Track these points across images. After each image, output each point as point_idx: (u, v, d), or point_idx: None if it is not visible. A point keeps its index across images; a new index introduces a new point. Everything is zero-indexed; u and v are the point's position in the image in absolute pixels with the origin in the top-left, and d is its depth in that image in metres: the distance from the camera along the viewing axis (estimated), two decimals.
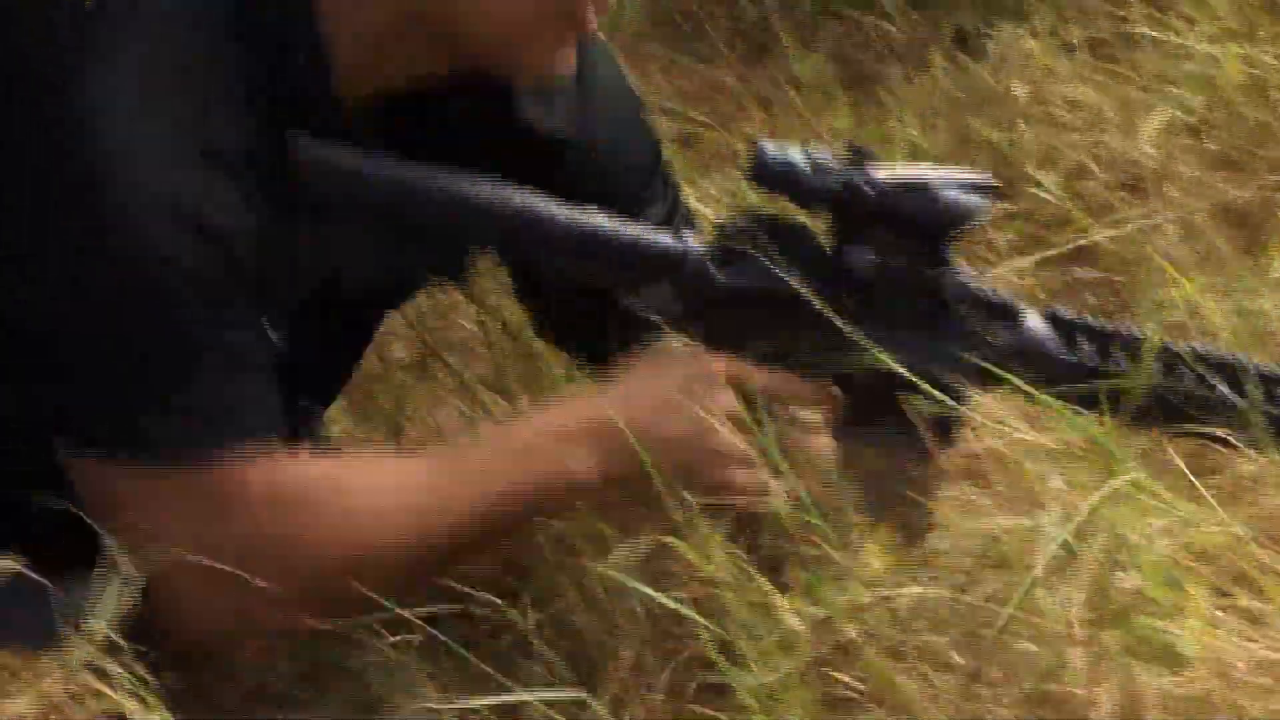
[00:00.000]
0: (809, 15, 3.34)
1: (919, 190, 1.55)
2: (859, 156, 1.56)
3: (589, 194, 1.66)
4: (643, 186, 1.81)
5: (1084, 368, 1.58)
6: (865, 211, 1.55)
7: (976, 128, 2.71)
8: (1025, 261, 2.41)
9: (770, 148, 1.55)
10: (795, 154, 1.54)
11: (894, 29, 3.19)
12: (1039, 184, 2.60)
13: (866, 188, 1.53)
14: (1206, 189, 2.60)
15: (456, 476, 1.54)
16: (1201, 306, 2.16)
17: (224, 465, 1.43)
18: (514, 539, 1.58)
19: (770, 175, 1.54)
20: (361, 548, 1.49)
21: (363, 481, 1.53)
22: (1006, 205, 2.49)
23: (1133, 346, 1.59)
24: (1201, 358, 1.58)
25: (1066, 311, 1.63)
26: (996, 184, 1.64)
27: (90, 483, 1.40)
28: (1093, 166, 2.63)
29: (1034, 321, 1.59)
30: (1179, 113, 2.74)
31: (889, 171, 1.56)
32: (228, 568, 1.43)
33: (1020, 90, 2.86)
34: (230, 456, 1.42)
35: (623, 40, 2.93)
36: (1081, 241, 2.50)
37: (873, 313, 1.56)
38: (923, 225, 1.56)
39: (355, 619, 1.49)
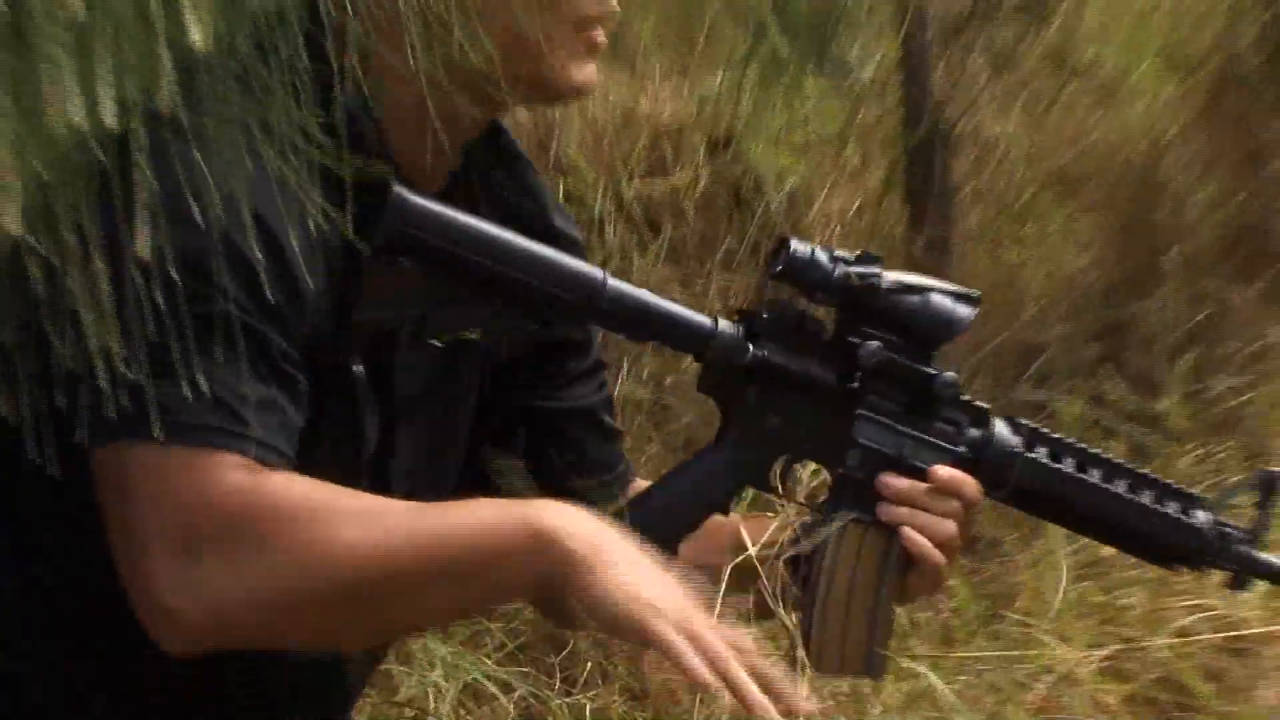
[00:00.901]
0: None
1: (917, 292, 1.67)
2: (870, 259, 1.67)
3: None
4: None
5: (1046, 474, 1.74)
6: (872, 308, 1.66)
7: None
8: None
9: (797, 245, 1.66)
10: (819, 252, 1.65)
11: None
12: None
13: (876, 286, 1.66)
14: None
15: (434, 521, 1.56)
16: None
17: (226, 455, 1.44)
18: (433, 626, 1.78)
19: (794, 269, 1.64)
20: (315, 568, 1.51)
21: (341, 510, 1.54)
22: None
23: (1086, 459, 1.76)
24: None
25: (1026, 421, 1.78)
26: (978, 293, 1.76)
27: (110, 468, 1.40)
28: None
29: (1001, 427, 1.73)
30: None
31: (894, 275, 1.68)
32: (202, 547, 1.45)
33: None
34: (236, 451, 1.44)
35: None
36: None
37: (872, 400, 1.69)
38: (919, 324, 1.68)
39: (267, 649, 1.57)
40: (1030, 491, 1.77)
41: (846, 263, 1.67)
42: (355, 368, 1.61)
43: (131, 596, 1.43)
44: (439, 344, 1.71)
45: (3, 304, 1.26)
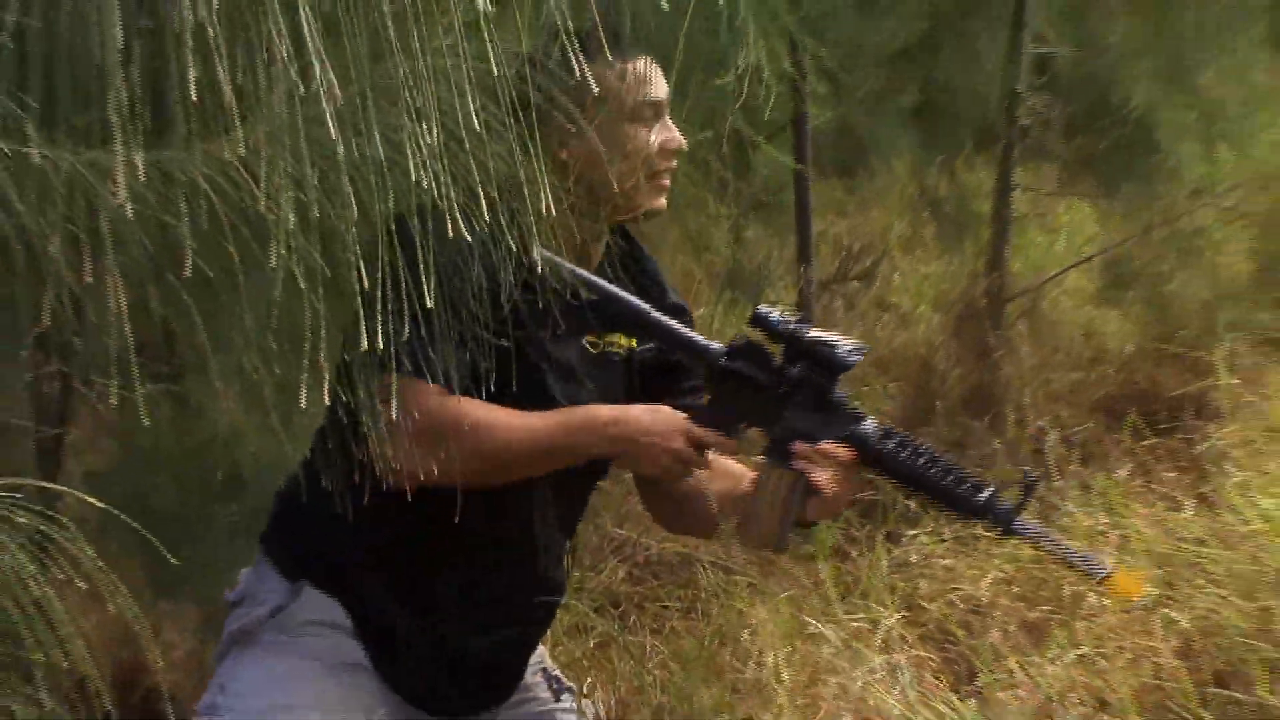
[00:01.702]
0: None
1: (829, 344, 2.17)
2: (804, 319, 2.19)
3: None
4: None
5: (884, 453, 2.17)
6: (800, 349, 2.18)
7: None
8: None
9: (763, 307, 2.20)
10: (774, 313, 2.20)
11: None
12: None
13: (803, 335, 2.18)
14: None
15: (535, 423, 2.12)
16: None
17: (419, 383, 1.92)
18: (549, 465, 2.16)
19: (759, 320, 2.19)
20: (485, 438, 2.07)
21: (494, 414, 2.08)
22: None
23: (917, 449, 2.17)
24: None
25: (887, 425, 2.22)
26: (868, 346, 2.26)
27: (393, 388, 1.79)
28: None
29: (871, 422, 2.19)
30: None
31: (817, 331, 2.18)
32: (427, 434, 1.97)
33: None
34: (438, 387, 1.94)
35: None
36: None
37: (795, 399, 2.21)
38: (828, 359, 2.17)
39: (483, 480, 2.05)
40: (880, 465, 2.19)
41: (789, 321, 2.18)
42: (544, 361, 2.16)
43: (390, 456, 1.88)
44: (592, 349, 2.27)
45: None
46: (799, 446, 2.17)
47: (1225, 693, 3.20)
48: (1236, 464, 4.10)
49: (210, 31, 1.11)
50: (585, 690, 2.60)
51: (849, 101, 4.76)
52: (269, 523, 2.34)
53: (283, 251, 1.19)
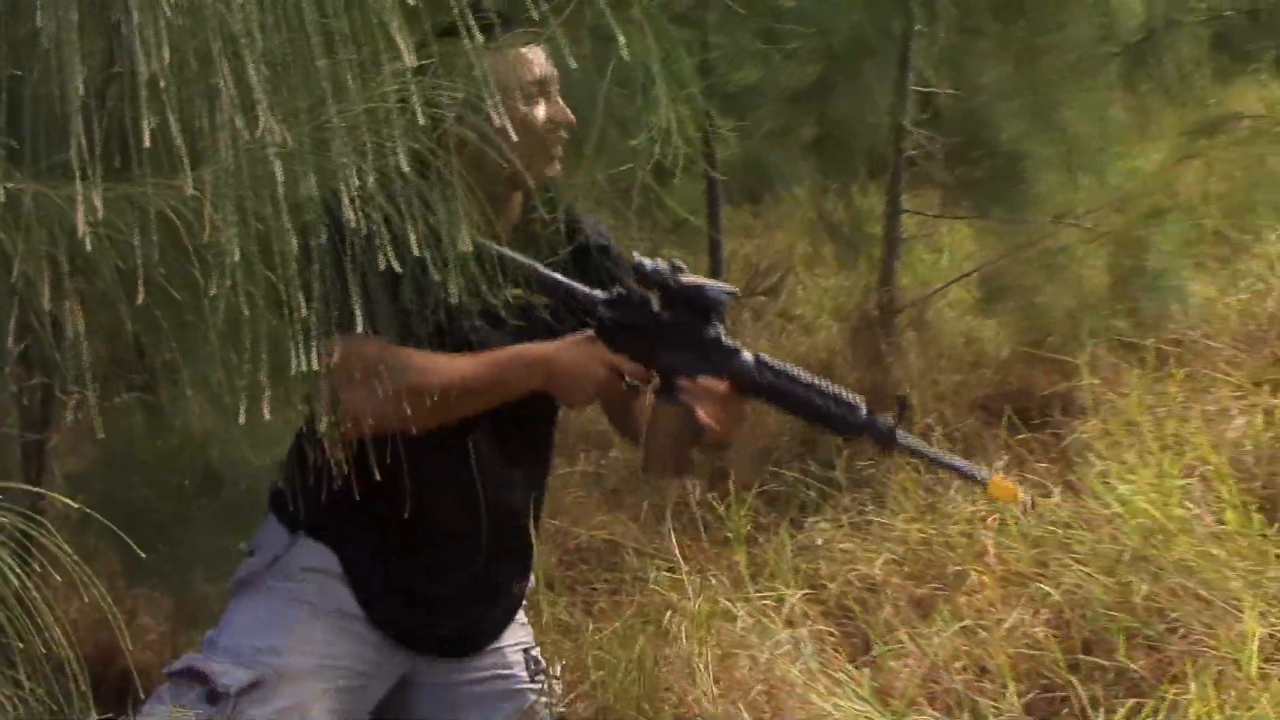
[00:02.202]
0: None
1: (699, 285, 2.19)
2: (674, 268, 2.19)
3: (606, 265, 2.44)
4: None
5: (763, 383, 2.20)
6: (673, 292, 2.20)
7: None
8: None
9: (639, 258, 2.21)
10: (649, 262, 2.20)
11: None
12: None
13: (677, 280, 2.19)
14: None
15: (468, 364, 2.17)
16: None
17: (360, 338, 1.76)
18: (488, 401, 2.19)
19: (637, 270, 2.20)
20: (422, 378, 2.09)
21: (428, 357, 2.13)
22: None
23: (794, 377, 2.21)
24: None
25: (764, 356, 2.23)
26: (736, 290, 2.28)
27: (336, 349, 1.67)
28: None
29: (747, 355, 2.21)
30: None
31: (689, 276, 2.20)
32: (360, 382, 1.92)
33: None
34: (363, 338, 1.78)
35: None
36: None
37: (674, 340, 2.21)
38: (698, 300, 2.18)
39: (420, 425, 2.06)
40: (761, 393, 2.22)
41: (663, 268, 2.19)
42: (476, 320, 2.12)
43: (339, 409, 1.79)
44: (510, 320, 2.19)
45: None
46: (681, 383, 2.20)
47: (1090, 659, 3.20)
48: (1098, 455, 4.12)
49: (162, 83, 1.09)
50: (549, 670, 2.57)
51: (754, 136, 4.79)
52: (275, 481, 2.37)
53: (226, 281, 1.16)
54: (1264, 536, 3.52)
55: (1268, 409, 4.24)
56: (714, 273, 4.63)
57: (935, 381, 4.81)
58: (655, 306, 2.22)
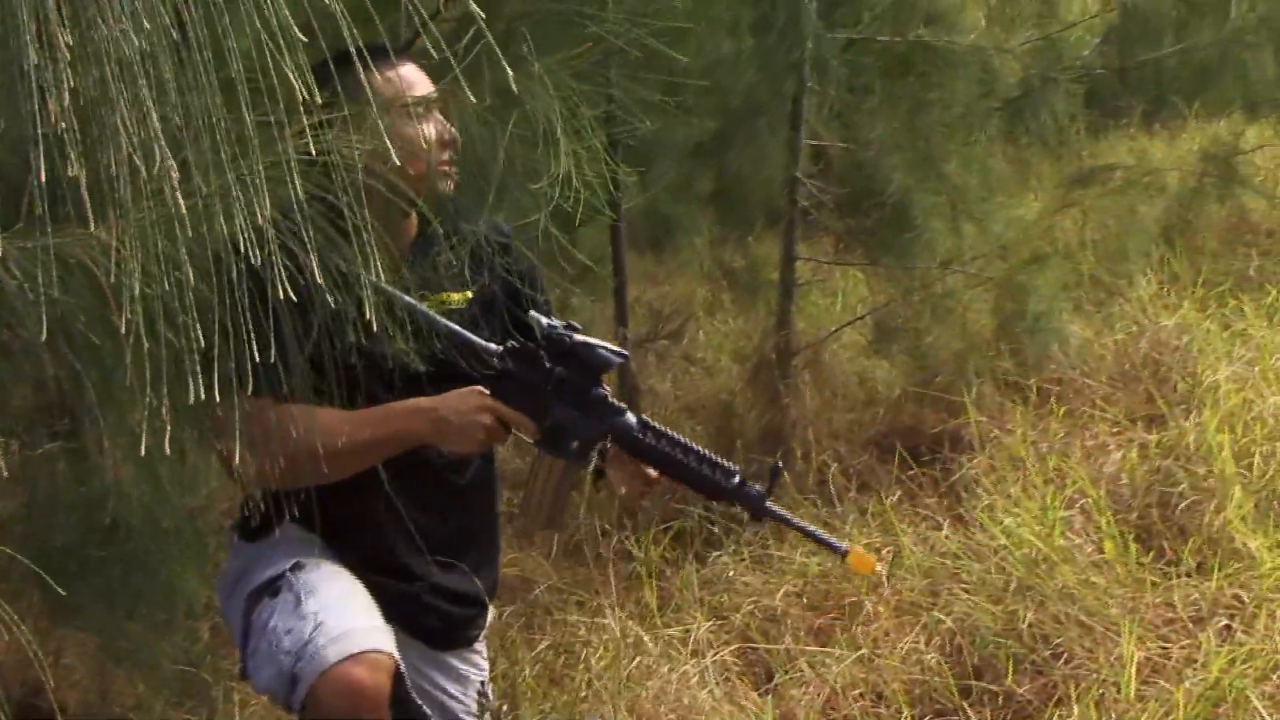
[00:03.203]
0: None
1: (590, 346, 2.20)
2: (570, 327, 2.21)
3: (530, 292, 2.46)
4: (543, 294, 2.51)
5: (643, 443, 2.22)
6: (564, 350, 2.21)
7: None
8: None
9: (535, 315, 2.24)
10: (545, 320, 2.23)
11: None
12: None
13: (570, 339, 2.21)
14: None
15: (361, 420, 2.17)
16: None
17: (266, 401, 1.86)
18: (379, 456, 2.18)
19: (536, 328, 2.23)
20: (312, 441, 2.05)
21: (317, 414, 2.10)
22: None
23: (674, 441, 2.23)
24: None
25: (646, 418, 2.25)
26: (626, 354, 2.26)
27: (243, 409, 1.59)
28: None
29: (631, 416, 2.23)
30: None
31: (583, 336, 2.21)
32: (269, 444, 1.97)
33: None
34: (270, 399, 1.86)
35: None
36: None
37: (563, 396, 2.22)
38: (590, 360, 2.20)
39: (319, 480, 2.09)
40: (640, 454, 2.23)
41: (557, 327, 2.21)
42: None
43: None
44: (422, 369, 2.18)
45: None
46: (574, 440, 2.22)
47: (980, 684, 3.27)
48: (985, 489, 4.22)
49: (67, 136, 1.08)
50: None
51: (656, 188, 4.83)
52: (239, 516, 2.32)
53: (126, 314, 1.15)
54: (1140, 565, 3.60)
55: (1142, 444, 4.34)
56: (619, 318, 4.63)
57: (830, 420, 4.84)
58: (547, 362, 2.23)
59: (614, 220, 4.52)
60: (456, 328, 2.23)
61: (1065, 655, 3.27)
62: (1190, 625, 3.32)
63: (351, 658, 2.04)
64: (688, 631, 3.59)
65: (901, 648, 3.45)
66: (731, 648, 3.55)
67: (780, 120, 4.52)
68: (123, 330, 1.18)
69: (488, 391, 2.22)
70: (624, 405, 2.25)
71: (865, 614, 3.65)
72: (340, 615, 2.13)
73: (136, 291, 1.13)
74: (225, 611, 2.36)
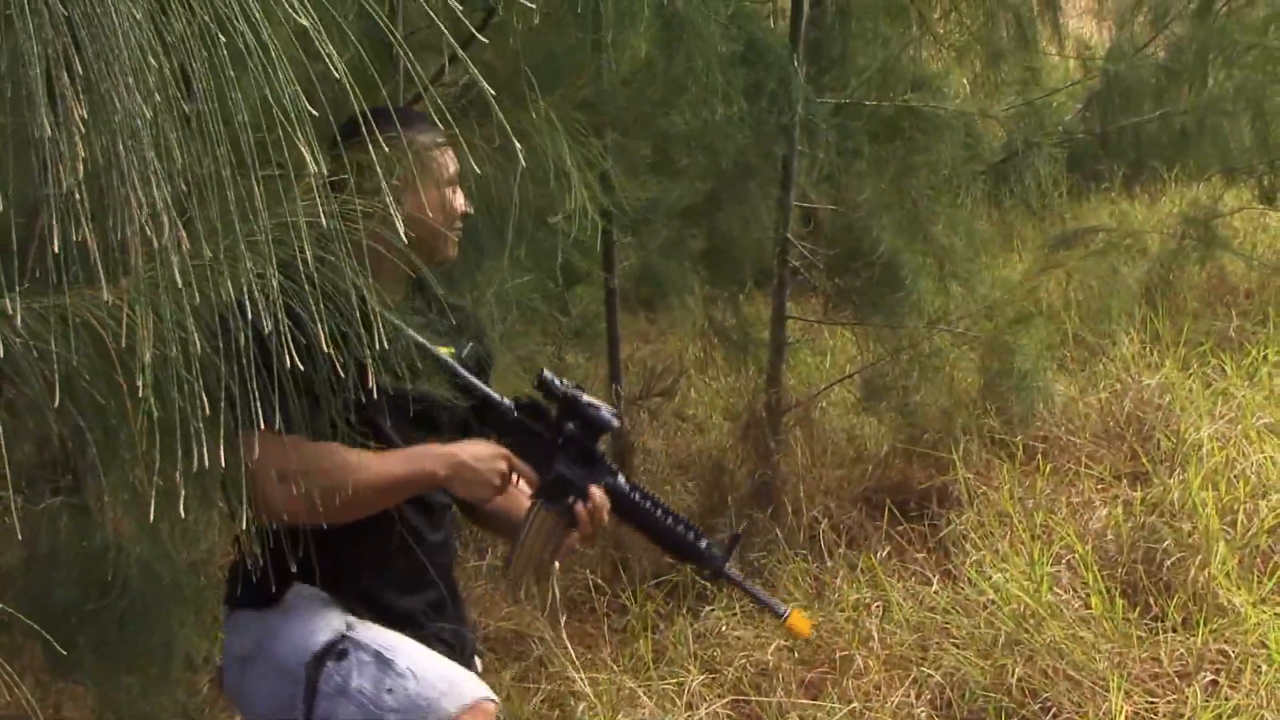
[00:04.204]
0: None
1: (595, 407, 2.28)
2: (578, 387, 2.29)
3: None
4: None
5: (631, 502, 2.32)
6: (573, 408, 2.28)
7: None
8: None
9: (548, 374, 2.30)
10: (556, 380, 2.30)
11: None
12: None
13: (578, 398, 2.28)
14: None
15: (380, 461, 2.16)
16: None
17: (278, 438, 1.92)
18: (398, 497, 2.19)
19: (545, 385, 2.28)
20: (338, 477, 2.06)
21: (340, 452, 2.08)
22: None
23: (656, 502, 2.35)
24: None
25: (634, 481, 2.35)
26: (619, 414, 2.37)
27: (247, 444, 1.63)
28: None
29: (621, 479, 2.31)
30: None
31: (588, 396, 2.29)
32: (278, 479, 1.98)
33: None
34: (281, 438, 1.93)
35: None
36: None
37: (570, 453, 2.29)
38: (594, 421, 2.28)
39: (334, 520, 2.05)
40: (626, 512, 2.33)
41: (569, 386, 2.29)
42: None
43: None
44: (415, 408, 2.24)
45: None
46: (593, 492, 2.27)
47: None
48: (973, 544, 4.22)
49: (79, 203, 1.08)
50: None
51: (649, 248, 4.84)
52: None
53: (139, 380, 1.15)
54: (1127, 620, 3.59)
55: (1127, 500, 4.34)
56: (613, 375, 4.63)
57: (820, 477, 4.84)
58: (555, 419, 2.30)
59: (609, 280, 4.52)
60: (474, 380, 2.29)
61: (1054, 709, 3.26)
62: (1177, 680, 3.31)
63: (469, 708, 2.12)
64: (681, 685, 3.57)
65: (892, 702, 3.43)
66: (724, 700, 3.53)
67: (771, 182, 4.54)
68: (132, 391, 1.17)
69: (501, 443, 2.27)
70: (615, 466, 2.34)
71: (856, 668, 3.63)
72: (435, 667, 2.18)
73: (147, 358, 1.12)
74: (237, 688, 2.31)
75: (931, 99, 4.72)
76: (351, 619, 2.22)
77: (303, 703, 2.15)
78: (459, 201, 2.34)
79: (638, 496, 2.32)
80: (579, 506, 2.26)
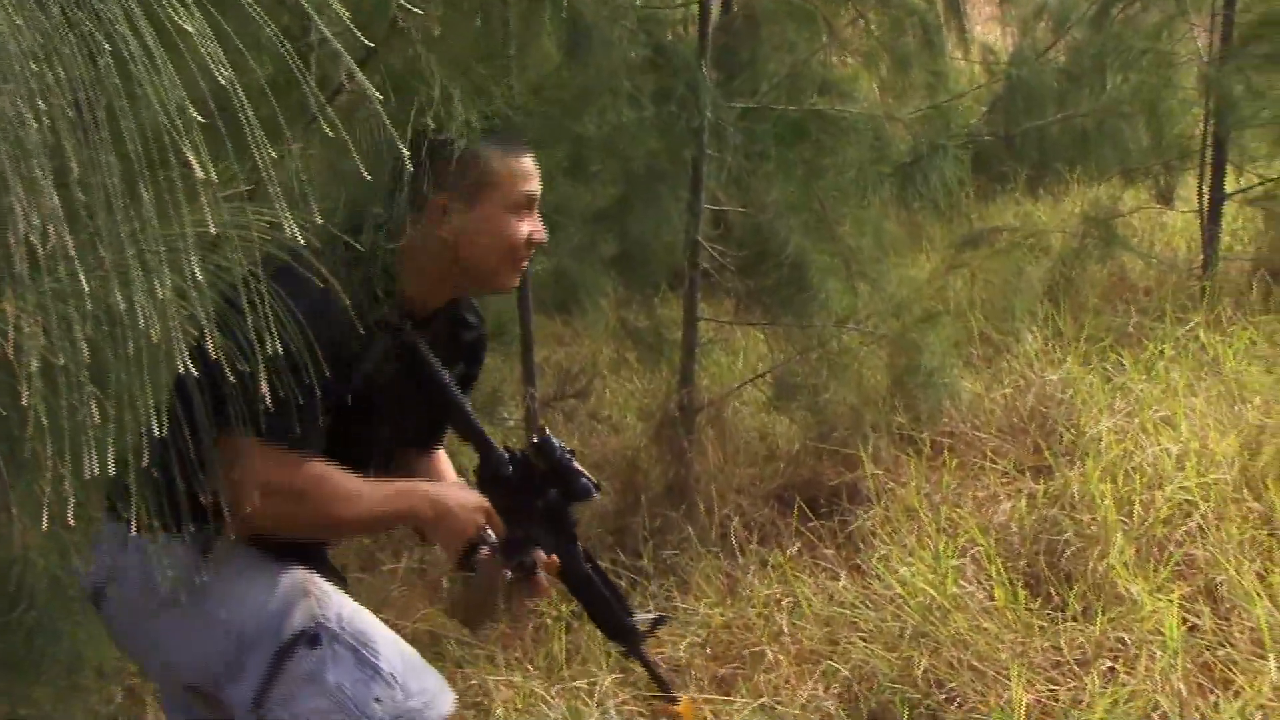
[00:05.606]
0: None
1: (579, 474, 2.26)
2: (570, 452, 2.27)
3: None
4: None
5: (581, 571, 2.35)
6: (561, 474, 2.26)
7: None
8: None
9: (551, 438, 2.28)
10: (553, 442, 2.28)
11: None
12: None
13: (569, 465, 2.27)
14: None
15: (369, 498, 2.13)
16: None
17: (285, 448, 1.97)
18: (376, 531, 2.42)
19: (545, 446, 2.26)
20: (325, 508, 2.09)
21: (336, 479, 2.09)
22: None
23: (603, 576, 2.40)
24: None
25: (590, 551, 2.37)
26: (600, 485, 2.34)
27: (232, 449, 1.78)
28: None
29: (579, 547, 2.34)
30: None
31: (576, 464, 2.27)
32: (275, 488, 1.98)
33: None
34: (288, 445, 1.97)
35: None
36: None
37: (550, 515, 2.28)
38: (576, 488, 2.26)
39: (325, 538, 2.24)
40: (572, 578, 2.36)
41: (566, 452, 2.28)
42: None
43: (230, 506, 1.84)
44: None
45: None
46: (538, 555, 2.28)
47: None
48: (881, 539, 4.26)
49: None
50: None
51: (561, 252, 4.83)
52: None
53: (25, 389, 1.14)
54: (1029, 610, 3.65)
55: (1030, 493, 4.40)
56: (527, 378, 4.62)
57: (732, 475, 4.86)
58: (540, 482, 2.30)
59: (520, 285, 4.50)
60: (480, 427, 2.31)
61: (959, 699, 3.31)
62: (1076, 668, 3.36)
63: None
64: (593, 684, 3.57)
65: (802, 696, 3.46)
66: (636, 696, 3.54)
67: (681, 185, 4.56)
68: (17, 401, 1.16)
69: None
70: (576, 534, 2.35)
71: (766, 663, 3.66)
72: (413, 672, 2.19)
73: (34, 366, 1.11)
74: (132, 622, 2.27)
75: (839, 102, 4.76)
76: (312, 588, 2.18)
77: (258, 677, 2.11)
78: (526, 228, 2.23)
79: (589, 566, 2.35)
80: (537, 573, 2.28)
